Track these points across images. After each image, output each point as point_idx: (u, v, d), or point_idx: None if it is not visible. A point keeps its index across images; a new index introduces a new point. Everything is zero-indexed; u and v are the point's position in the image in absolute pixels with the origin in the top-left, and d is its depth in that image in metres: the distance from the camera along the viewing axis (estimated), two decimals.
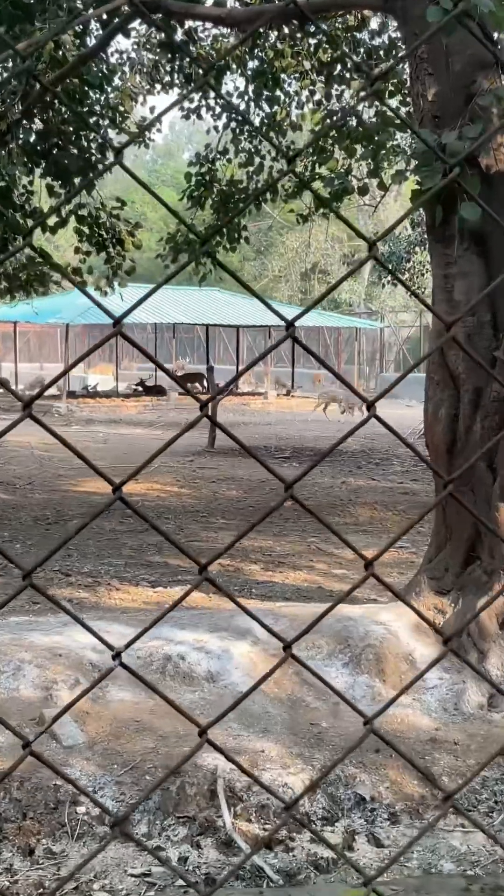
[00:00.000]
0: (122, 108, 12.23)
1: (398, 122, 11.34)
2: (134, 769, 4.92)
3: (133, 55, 13.51)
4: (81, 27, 9.76)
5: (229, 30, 10.77)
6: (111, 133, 12.19)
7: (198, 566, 0.95)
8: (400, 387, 33.58)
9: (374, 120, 11.75)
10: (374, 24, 11.87)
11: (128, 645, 0.99)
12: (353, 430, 1.03)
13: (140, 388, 34.56)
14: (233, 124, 12.98)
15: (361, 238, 1.08)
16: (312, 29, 11.07)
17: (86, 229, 12.00)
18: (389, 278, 25.04)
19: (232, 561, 9.47)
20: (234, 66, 12.50)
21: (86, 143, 11.25)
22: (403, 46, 8.74)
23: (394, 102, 11.75)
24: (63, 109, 11.04)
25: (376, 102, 11.96)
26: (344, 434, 1.04)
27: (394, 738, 5.49)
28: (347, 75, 12.33)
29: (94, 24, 11.13)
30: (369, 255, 1.04)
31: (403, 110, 12.93)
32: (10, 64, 9.61)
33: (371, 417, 1.00)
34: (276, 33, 11.87)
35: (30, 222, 11.32)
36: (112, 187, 32.83)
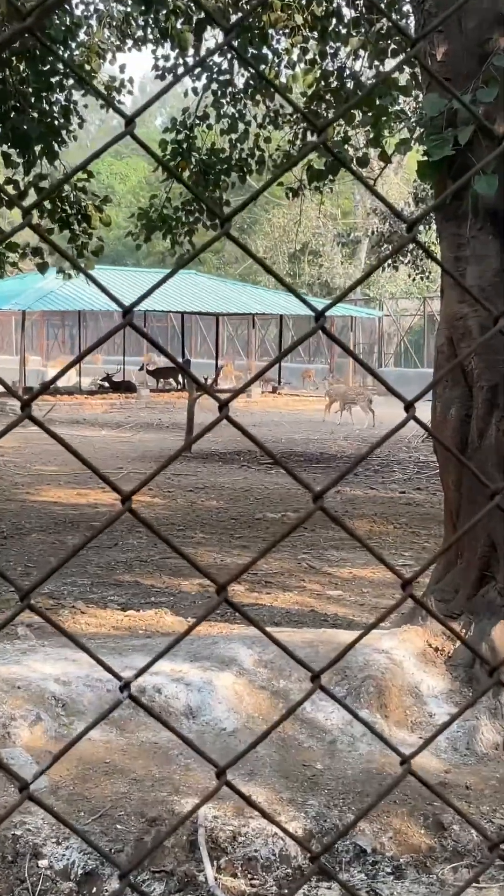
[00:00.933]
0: (88, 67, 12.23)
1: (403, 86, 11.39)
2: (103, 817, 4.91)
3: (101, 6, 13.51)
4: None
5: None
6: (76, 95, 12.18)
7: (215, 586, 0.96)
8: (404, 384, 33.68)
9: (372, 82, 11.80)
10: None
11: (137, 674, 0.99)
12: (392, 432, 1.04)
13: (106, 384, 34.51)
14: (214, 86, 13.00)
15: (399, 218, 1.09)
16: None
17: (47, 204, 11.98)
18: (391, 260, 25.09)
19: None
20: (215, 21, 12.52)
21: (48, 107, 11.23)
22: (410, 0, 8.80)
23: (394, 63, 11.80)
24: (21, 68, 11.02)
25: (377, 63, 12.01)
26: (382, 436, 1.05)
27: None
28: (344, 31, 12.37)
29: None
30: (409, 236, 1.04)
31: (407, 71, 12.98)
32: None
33: (410, 419, 1.01)
34: None
35: None
36: (76, 156, 32.78)
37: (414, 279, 29.74)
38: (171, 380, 37.14)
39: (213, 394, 0.99)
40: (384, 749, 5.79)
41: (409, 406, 1.04)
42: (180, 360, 33.97)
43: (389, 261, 25.02)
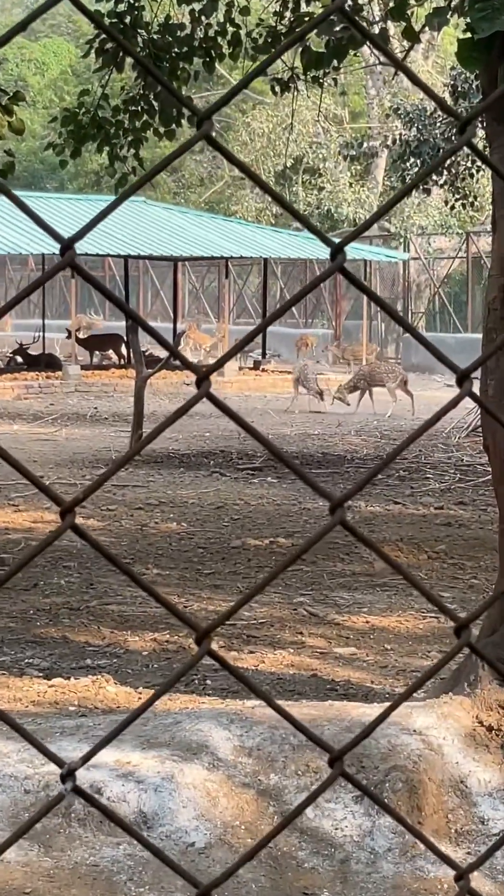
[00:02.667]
0: None
1: None
2: None
3: None
4: None
5: None
6: None
7: (195, 633, 0.96)
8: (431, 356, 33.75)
9: None
10: None
11: (85, 759, 1.00)
12: (443, 412, 1.04)
13: (18, 359, 34.49)
14: None
15: (448, 112, 1.09)
16: None
17: None
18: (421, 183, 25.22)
19: (173, 634, 9.48)
20: None
21: None
22: None
23: None
24: None
25: None
26: (424, 423, 1.05)
27: None
28: None
29: None
30: (462, 139, 1.05)
31: None
32: None
33: (466, 395, 1.01)
34: None
35: None
36: None
37: (453, 207, 29.75)
38: (109, 351, 37.14)
39: (193, 366, 0.99)
40: (417, 870, 5.81)
41: (463, 378, 1.04)
42: (123, 324, 33.95)
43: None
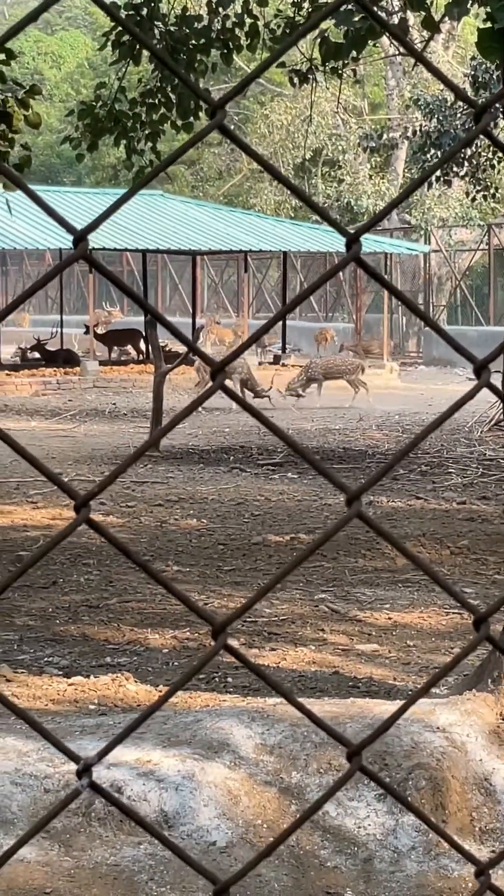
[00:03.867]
0: None
1: None
2: None
3: None
4: None
5: None
6: None
7: (211, 627, 0.96)
8: (452, 349, 33.72)
9: None
10: None
11: (101, 754, 1.00)
12: (461, 402, 1.04)
13: (37, 355, 34.52)
14: None
15: (465, 101, 1.09)
16: None
17: None
18: (440, 172, 25.13)
19: (193, 631, 9.49)
20: None
21: None
22: None
23: None
24: None
25: None
26: (442, 414, 1.05)
27: None
28: None
29: None
30: (479, 127, 1.05)
31: None
32: None
33: (484, 386, 1.01)
34: None
35: None
36: None
37: (474, 199, 29.71)
38: (128, 347, 37.14)
39: (207, 357, 0.99)
40: (441, 868, 5.80)
41: (480, 368, 1.04)
42: (142, 319, 33.99)
43: (438, 173, 25.06)
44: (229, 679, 8.46)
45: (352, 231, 1.01)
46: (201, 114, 13.11)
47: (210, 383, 0.92)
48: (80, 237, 0.91)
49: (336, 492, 15.27)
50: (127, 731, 1.01)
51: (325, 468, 1.01)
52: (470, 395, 1.03)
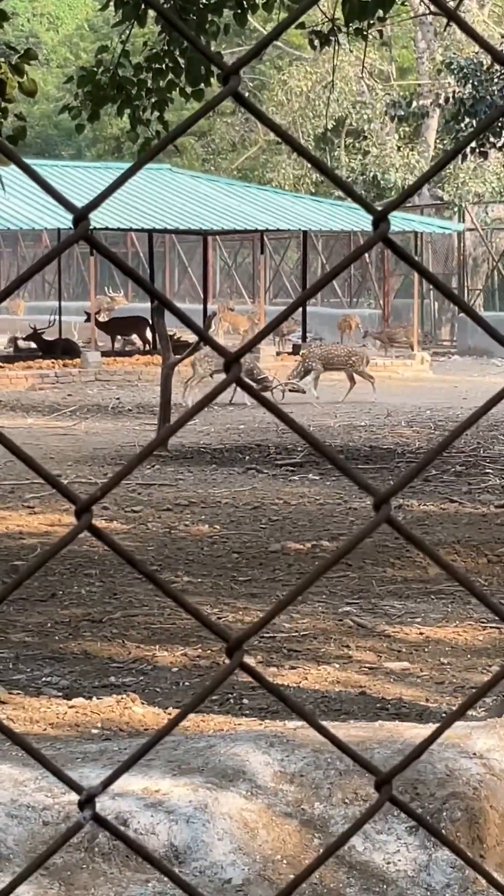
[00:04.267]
0: None
1: None
2: None
3: None
4: None
5: None
6: None
7: (225, 643, 0.96)
8: (489, 337, 33.71)
9: None
10: None
11: (105, 784, 1.00)
12: (501, 395, 1.04)
13: (32, 345, 34.54)
14: None
15: (501, 62, 1.08)
16: None
17: None
18: (475, 143, 25.11)
19: (205, 648, 9.49)
20: None
21: None
22: None
23: None
24: None
25: None
26: (490, 399, 1.05)
27: None
28: None
29: None
30: None
31: None
32: None
33: None
34: None
35: None
36: None
37: None
38: (133, 336, 37.16)
39: (221, 347, 0.99)
40: None
41: None
42: (147, 305, 33.98)
43: (472, 144, 25.02)
44: (245, 700, 8.45)
45: (379, 208, 1.02)
46: (213, 80, 13.10)
47: (209, 377, 0.92)
48: (80, 216, 0.91)
49: (362, 494, 15.30)
50: (133, 758, 1.01)
51: (351, 468, 1.01)
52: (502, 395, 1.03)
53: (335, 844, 1.05)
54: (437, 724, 4.84)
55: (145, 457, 1.00)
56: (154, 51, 13.28)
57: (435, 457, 1.04)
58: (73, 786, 1.00)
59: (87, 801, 0.96)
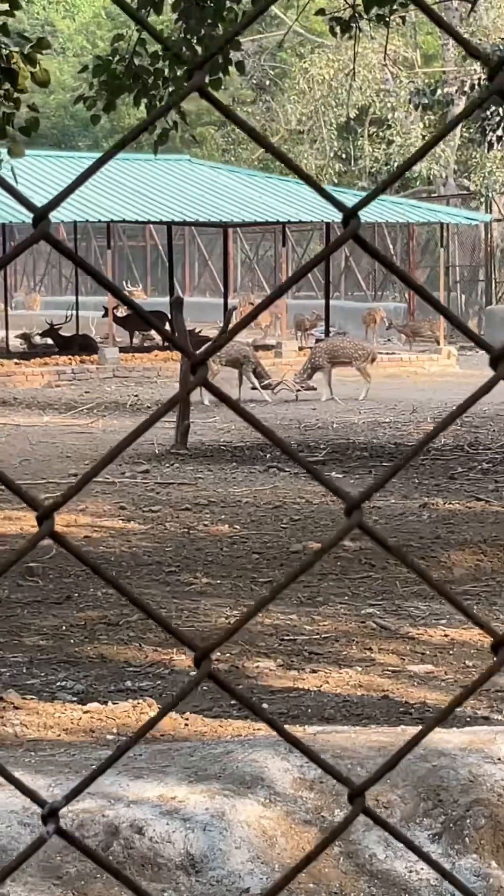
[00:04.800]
0: None
1: None
2: None
3: None
4: None
5: None
6: None
7: (194, 653, 0.96)
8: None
9: None
10: None
11: (68, 798, 1.00)
12: (480, 394, 1.04)
13: (49, 341, 34.60)
14: None
15: None
16: None
17: None
18: (501, 132, 25.05)
19: (226, 652, 9.48)
20: None
21: None
22: None
23: None
24: None
25: None
26: (468, 398, 1.04)
27: None
28: None
29: None
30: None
31: None
32: None
33: (501, 378, 1.01)
34: None
35: None
36: None
37: None
38: (152, 331, 37.15)
39: (186, 349, 0.99)
40: None
41: (498, 359, 1.04)
42: (167, 300, 33.97)
43: (499, 132, 24.97)
44: (263, 705, 8.45)
45: (347, 209, 1.02)
46: (232, 69, 13.14)
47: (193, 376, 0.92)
48: (40, 216, 0.91)
49: (384, 494, 15.30)
50: (97, 771, 1.01)
51: (321, 474, 1.01)
52: (492, 385, 1.03)
53: (303, 861, 1.05)
54: (468, 730, 4.82)
55: (109, 462, 1.00)
56: (171, 38, 13.28)
57: (408, 462, 1.04)
58: (35, 799, 1.00)
59: (49, 815, 0.96)
